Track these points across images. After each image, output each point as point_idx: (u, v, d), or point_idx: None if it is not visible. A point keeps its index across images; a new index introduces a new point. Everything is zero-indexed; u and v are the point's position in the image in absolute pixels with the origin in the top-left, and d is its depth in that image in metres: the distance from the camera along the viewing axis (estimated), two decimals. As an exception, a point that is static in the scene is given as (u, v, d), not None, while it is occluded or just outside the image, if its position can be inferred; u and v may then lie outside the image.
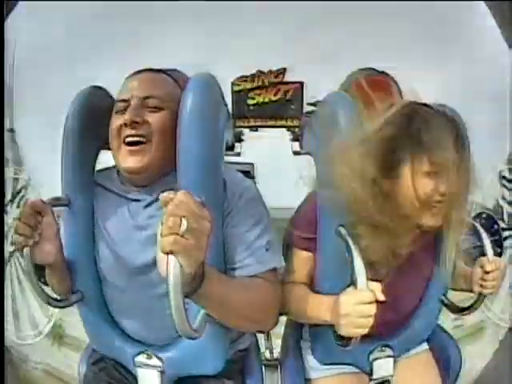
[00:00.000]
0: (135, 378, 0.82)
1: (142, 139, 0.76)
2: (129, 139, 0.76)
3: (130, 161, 0.76)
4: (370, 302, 0.66)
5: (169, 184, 0.76)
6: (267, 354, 1.10)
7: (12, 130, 2.27)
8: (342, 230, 0.74)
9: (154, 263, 0.74)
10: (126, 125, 0.75)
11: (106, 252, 0.81)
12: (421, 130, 0.70)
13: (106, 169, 0.87)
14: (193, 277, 0.54)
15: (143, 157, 0.76)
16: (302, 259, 0.85)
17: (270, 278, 0.76)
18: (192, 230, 0.50)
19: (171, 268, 0.48)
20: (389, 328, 0.89)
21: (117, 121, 0.78)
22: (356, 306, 0.66)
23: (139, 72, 0.82)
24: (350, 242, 0.71)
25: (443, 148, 0.69)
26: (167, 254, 0.49)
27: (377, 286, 0.68)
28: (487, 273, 0.80)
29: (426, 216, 0.73)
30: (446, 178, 0.70)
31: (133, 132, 0.75)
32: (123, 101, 0.78)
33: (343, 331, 0.69)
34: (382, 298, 0.67)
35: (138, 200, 0.80)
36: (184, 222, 0.49)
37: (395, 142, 0.71)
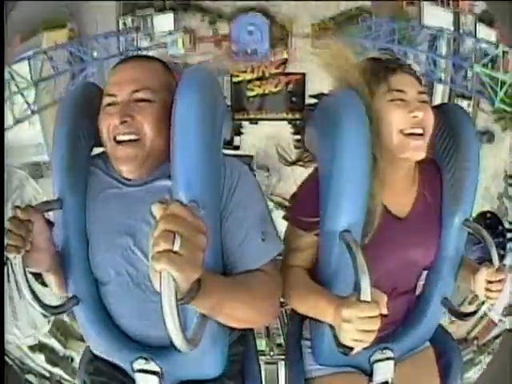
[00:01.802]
0: (132, 380, 0.81)
1: (133, 137, 0.73)
2: (119, 137, 0.74)
3: (124, 162, 0.74)
4: (374, 317, 0.63)
5: (165, 174, 0.75)
6: (267, 354, 1.11)
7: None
8: (347, 236, 0.71)
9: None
10: (115, 125, 0.73)
11: (99, 252, 0.79)
12: (383, 69, 0.80)
13: (100, 155, 0.83)
14: (189, 288, 0.52)
15: (136, 156, 0.74)
16: (302, 240, 0.83)
17: (270, 270, 0.75)
18: (187, 246, 0.47)
19: (165, 285, 0.46)
20: (390, 331, 0.88)
21: (106, 117, 0.75)
22: (359, 320, 0.64)
23: (129, 59, 0.78)
24: (355, 250, 0.67)
25: (399, 78, 0.78)
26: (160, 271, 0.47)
27: (381, 297, 0.66)
28: (491, 282, 0.79)
29: (407, 148, 0.77)
30: (414, 107, 0.77)
31: (122, 130, 0.73)
32: (111, 95, 0.75)
33: (345, 341, 0.67)
34: (385, 311, 0.65)
35: (132, 196, 0.78)
36: (177, 237, 0.46)
37: (366, 76, 0.79)
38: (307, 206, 0.80)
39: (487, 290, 0.80)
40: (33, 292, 0.73)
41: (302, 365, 0.94)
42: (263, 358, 1.03)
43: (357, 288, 0.65)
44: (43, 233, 0.73)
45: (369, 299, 0.64)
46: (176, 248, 0.46)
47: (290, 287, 0.81)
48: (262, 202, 0.78)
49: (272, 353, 1.08)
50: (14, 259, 0.69)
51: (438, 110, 0.84)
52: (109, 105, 0.75)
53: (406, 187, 0.85)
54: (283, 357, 1.03)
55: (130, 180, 0.78)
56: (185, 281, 0.48)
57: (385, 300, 0.66)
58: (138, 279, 0.76)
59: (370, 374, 0.89)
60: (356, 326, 0.64)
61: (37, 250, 0.71)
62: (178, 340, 0.48)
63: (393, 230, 0.81)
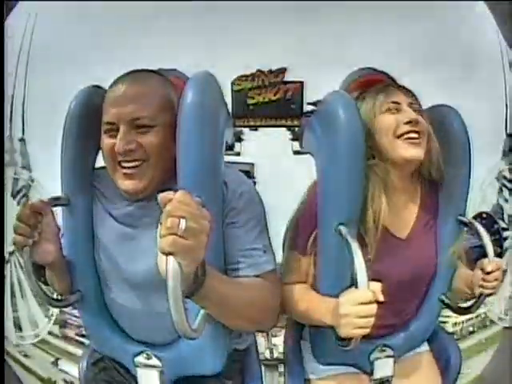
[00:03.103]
0: (135, 378, 0.82)
1: (137, 163, 0.73)
2: (124, 164, 0.74)
3: (129, 184, 0.74)
4: (370, 302, 0.66)
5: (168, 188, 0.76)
6: (267, 354, 1.11)
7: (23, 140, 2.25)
8: (343, 229, 0.74)
9: (150, 269, 0.73)
10: (118, 153, 0.73)
11: (104, 254, 0.81)
12: (378, 88, 0.87)
13: (103, 168, 0.84)
14: (194, 277, 0.54)
15: (141, 178, 0.74)
16: (301, 261, 0.85)
17: (270, 278, 0.76)
18: (191, 230, 0.49)
19: (170, 268, 0.48)
20: (389, 328, 0.89)
21: (107, 142, 0.74)
22: (356, 306, 0.66)
23: (124, 80, 0.76)
24: (351, 241, 0.70)
25: (394, 93, 0.86)
26: (166, 254, 0.49)
27: (377, 287, 0.68)
28: (488, 273, 0.81)
29: (404, 147, 0.81)
30: (406, 113, 0.83)
31: (127, 159, 0.73)
32: (111, 123, 0.74)
33: (343, 332, 0.69)
34: (381, 298, 0.67)
35: (135, 211, 0.79)
36: (182, 222, 0.49)
37: (364, 95, 0.87)
38: (305, 232, 0.83)
39: (484, 280, 0.81)
40: (38, 283, 0.75)
41: (302, 365, 0.94)
42: (263, 358, 1.03)
43: (353, 277, 0.67)
44: (51, 226, 0.75)
45: (365, 286, 0.66)
46: (180, 232, 0.49)
47: (290, 301, 0.83)
48: (262, 215, 0.80)
49: (272, 354, 1.08)
50: (21, 251, 0.70)
51: (431, 111, 0.88)
52: (109, 130, 0.74)
53: (406, 205, 0.87)
54: (283, 357, 1.03)
55: (132, 202, 0.79)
56: (189, 263, 0.50)
57: (380, 287, 0.68)
58: (139, 280, 0.78)
59: (370, 373, 0.89)
60: (354, 312, 0.66)
61: (44, 242, 0.73)
62: (181, 324, 0.50)
63: (394, 251, 0.84)
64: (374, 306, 0.66)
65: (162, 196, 0.51)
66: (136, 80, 0.76)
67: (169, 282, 0.48)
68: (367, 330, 0.67)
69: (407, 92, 0.87)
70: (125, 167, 0.73)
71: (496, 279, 0.81)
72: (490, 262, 0.81)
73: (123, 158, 0.73)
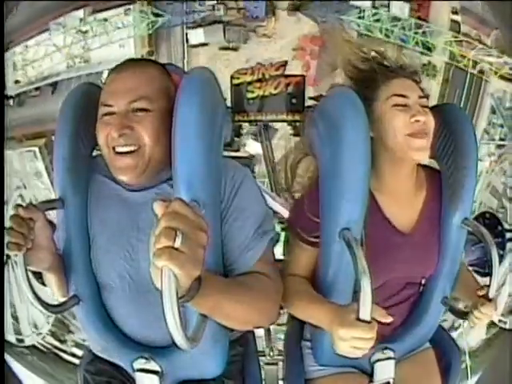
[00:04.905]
0: (134, 381, 0.81)
1: (132, 148, 0.73)
2: (119, 149, 0.73)
3: (124, 172, 0.74)
4: (370, 338, 0.63)
5: (164, 179, 0.76)
6: (267, 354, 1.11)
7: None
8: (347, 234, 0.71)
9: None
10: (114, 137, 0.72)
11: (101, 254, 0.79)
12: (386, 73, 0.82)
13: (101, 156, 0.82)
14: (190, 286, 0.52)
15: (136, 166, 0.73)
16: (302, 251, 0.84)
17: (270, 272, 0.75)
18: (188, 243, 0.47)
19: (166, 282, 0.46)
20: (391, 331, 0.88)
21: (103, 127, 0.74)
22: (354, 339, 0.64)
23: (124, 66, 0.77)
24: (355, 246, 0.67)
25: (401, 84, 0.81)
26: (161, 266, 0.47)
27: (382, 314, 0.66)
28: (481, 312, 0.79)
29: (411, 149, 0.78)
30: (415, 112, 0.79)
31: (122, 142, 0.72)
32: (108, 105, 0.74)
33: (339, 350, 0.67)
34: (389, 319, 0.66)
35: (133, 199, 0.78)
36: (179, 234, 0.47)
37: (365, 81, 0.83)
38: (307, 219, 0.81)
39: (476, 317, 0.79)
40: (33, 290, 0.73)
41: (302, 365, 0.94)
42: (263, 358, 1.04)
43: (357, 287, 0.64)
44: (44, 231, 0.73)
45: (368, 318, 0.63)
46: (177, 245, 0.46)
47: (289, 295, 0.81)
48: (262, 206, 0.78)
49: (272, 353, 1.09)
50: (16, 257, 0.69)
51: (437, 109, 0.85)
52: (106, 114, 0.74)
53: (410, 199, 0.86)
54: (283, 357, 1.03)
55: (130, 185, 0.78)
56: (185, 278, 0.48)
57: (385, 315, 0.66)
58: (139, 281, 0.77)
59: (370, 374, 0.89)
60: (351, 343, 0.64)
61: (38, 248, 0.72)
62: (179, 337, 0.48)
63: (396, 245, 0.82)
64: (372, 341, 0.63)
65: (157, 205, 0.49)
66: (133, 67, 0.76)
67: (165, 295, 0.46)
68: (365, 352, 0.65)
69: (415, 80, 0.83)
70: (120, 153, 0.72)
71: (481, 319, 0.79)
72: (486, 305, 0.78)
73: (117, 143, 0.72)
